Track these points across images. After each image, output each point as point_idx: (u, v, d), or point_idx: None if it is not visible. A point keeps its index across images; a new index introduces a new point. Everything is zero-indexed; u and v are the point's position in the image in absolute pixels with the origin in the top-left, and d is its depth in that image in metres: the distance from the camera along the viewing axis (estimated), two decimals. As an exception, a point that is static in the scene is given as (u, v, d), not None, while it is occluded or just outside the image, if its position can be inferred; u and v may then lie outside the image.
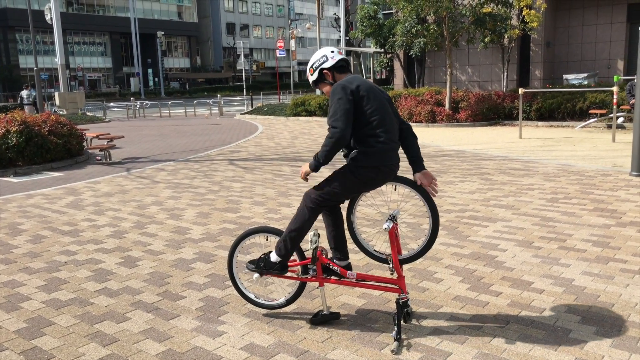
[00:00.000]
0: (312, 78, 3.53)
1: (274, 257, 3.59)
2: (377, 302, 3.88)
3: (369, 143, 3.24)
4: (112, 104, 38.68)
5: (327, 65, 3.44)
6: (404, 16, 18.42)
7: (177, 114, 27.87)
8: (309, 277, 3.60)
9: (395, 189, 3.62)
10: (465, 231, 5.52)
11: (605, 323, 3.44)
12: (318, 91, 27.45)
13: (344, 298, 3.98)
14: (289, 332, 3.48)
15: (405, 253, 3.59)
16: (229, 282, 4.34)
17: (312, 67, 3.50)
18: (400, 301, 3.39)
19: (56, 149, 10.81)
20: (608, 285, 4.02)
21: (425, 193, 3.40)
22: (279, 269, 3.59)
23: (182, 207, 6.97)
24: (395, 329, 3.29)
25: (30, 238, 5.78)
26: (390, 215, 3.43)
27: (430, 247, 3.47)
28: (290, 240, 3.48)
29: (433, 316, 3.64)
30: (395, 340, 3.25)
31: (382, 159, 3.26)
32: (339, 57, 3.45)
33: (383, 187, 3.78)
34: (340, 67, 3.46)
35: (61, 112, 22.81)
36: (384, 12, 30.69)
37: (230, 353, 3.24)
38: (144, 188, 8.38)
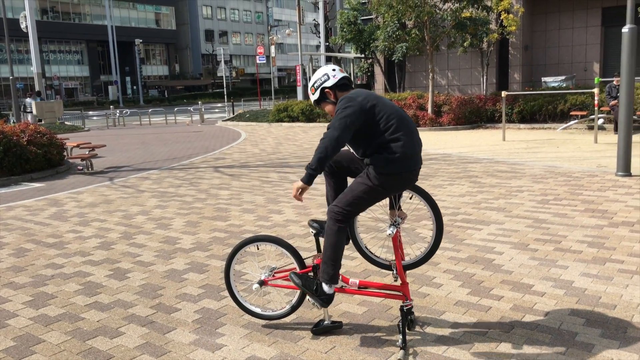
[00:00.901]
0: (313, 97, 3.40)
1: (327, 289, 3.29)
2: (379, 310, 3.81)
3: (391, 149, 3.12)
4: (90, 112, 38.14)
5: (328, 84, 3.31)
6: (385, 21, 18.48)
7: (157, 122, 27.56)
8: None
9: (411, 198, 3.51)
10: (460, 235, 5.48)
11: (610, 325, 3.41)
12: (299, 96, 27.45)
13: (344, 306, 3.90)
14: (291, 344, 3.39)
15: (407, 259, 3.53)
16: (225, 293, 4.23)
17: (313, 86, 3.36)
18: (405, 308, 3.31)
19: (36, 159, 10.55)
20: (608, 287, 4.00)
21: (430, 199, 3.34)
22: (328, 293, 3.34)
23: (169, 217, 6.82)
24: (400, 337, 3.21)
25: (13, 251, 5.59)
26: (393, 221, 3.36)
27: (434, 252, 3.41)
28: (332, 262, 3.25)
29: (436, 323, 3.57)
30: (401, 348, 3.17)
31: (405, 165, 3.14)
32: (341, 75, 3.32)
33: None
34: (342, 85, 3.32)
35: (39, 122, 22.38)
36: (363, 17, 30.79)
37: (232, 367, 3.13)
38: (129, 197, 8.20)
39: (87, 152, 11.53)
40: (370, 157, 3.18)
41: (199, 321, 3.77)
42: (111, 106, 33.56)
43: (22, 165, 10.31)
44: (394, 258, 3.43)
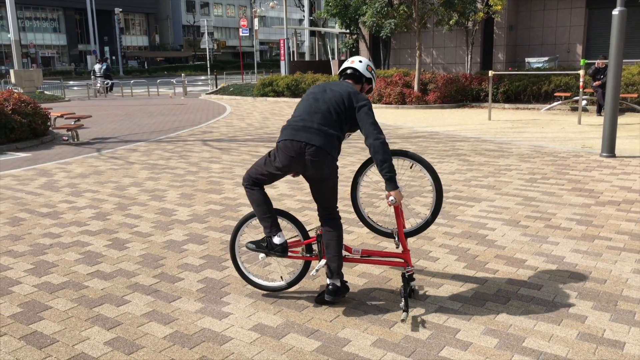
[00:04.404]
0: (367, 75, 3.68)
1: (276, 240, 3.57)
2: (378, 281, 3.92)
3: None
4: (71, 82, 37.35)
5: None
6: (373, -3, 18.35)
7: (139, 94, 27.16)
8: (313, 256, 3.62)
9: (411, 167, 3.65)
10: (453, 211, 5.61)
11: (601, 298, 3.57)
12: (282, 71, 27.25)
13: (345, 277, 3.99)
14: (296, 312, 3.48)
15: (409, 227, 3.65)
16: (227, 264, 4.30)
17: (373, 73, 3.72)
18: (407, 274, 3.46)
19: (21, 129, 10.39)
20: (598, 262, 4.17)
21: (429, 166, 3.52)
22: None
23: (162, 189, 6.83)
24: (403, 301, 3.35)
25: (8, 220, 5.57)
26: None
27: (434, 218, 3.57)
28: (259, 217, 3.62)
29: (436, 294, 3.70)
30: (403, 311, 3.30)
31: (282, 135, 3.46)
32: (344, 66, 3.68)
33: (396, 162, 3.87)
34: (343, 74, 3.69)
35: (16, 90, 21.90)
36: (349, -8, 30.50)
37: (240, 334, 3.22)
38: (119, 169, 8.16)
39: (72, 123, 11.37)
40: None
41: (203, 290, 3.84)
42: (92, 76, 32.89)
43: (6, 135, 10.15)
44: (395, 226, 3.53)
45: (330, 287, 3.48)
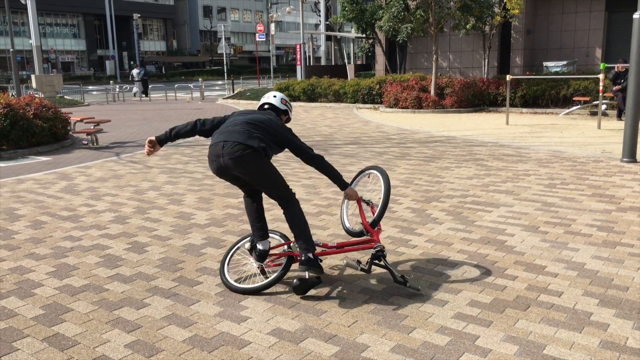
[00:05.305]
0: (282, 108, 4.20)
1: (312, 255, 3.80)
2: (397, 287, 3.91)
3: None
4: (90, 87, 37.87)
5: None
6: (389, 1, 18.36)
7: (157, 98, 27.44)
8: (296, 252, 3.95)
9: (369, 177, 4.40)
10: (471, 216, 5.58)
11: (623, 306, 3.52)
12: (298, 76, 27.32)
13: (362, 282, 3.99)
14: (314, 317, 3.48)
15: (369, 219, 4.16)
16: (245, 267, 4.32)
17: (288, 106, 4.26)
18: (375, 250, 3.85)
19: (42, 133, 10.54)
20: (620, 269, 4.11)
21: (380, 168, 4.27)
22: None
23: (181, 193, 6.89)
24: (391, 274, 3.78)
25: (30, 223, 5.65)
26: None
27: (384, 209, 4.05)
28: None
29: (454, 300, 3.68)
30: (402, 283, 3.75)
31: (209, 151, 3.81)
32: (262, 102, 4.21)
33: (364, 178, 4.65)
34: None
35: (37, 95, 22.27)
36: (365, -4, 30.52)
37: (259, 338, 3.23)
38: (138, 173, 8.24)
39: (92, 127, 11.52)
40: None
41: (221, 294, 3.86)
42: (110, 81, 33.34)
43: (28, 139, 10.31)
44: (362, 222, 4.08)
45: (303, 258, 3.74)
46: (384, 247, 3.89)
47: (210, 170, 3.88)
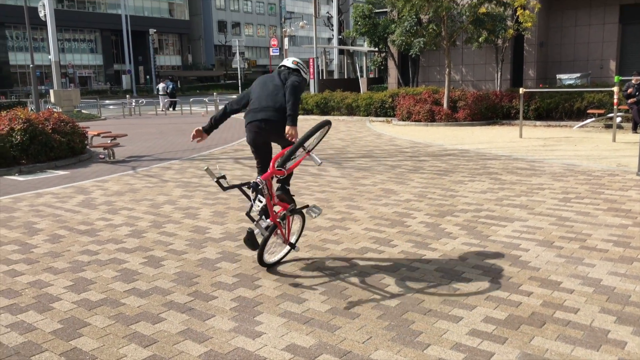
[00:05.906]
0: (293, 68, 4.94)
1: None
2: (411, 302, 3.91)
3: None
4: (106, 101, 38.38)
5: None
6: (402, 16, 18.46)
7: (172, 112, 27.73)
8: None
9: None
10: (485, 231, 5.56)
11: (640, 323, 3.49)
12: (312, 89, 27.48)
13: (376, 298, 4.00)
14: (328, 333, 3.50)
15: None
16: (259, 282, 4.35)
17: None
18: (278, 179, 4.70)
19: (60, 147, 10.71)
20: (637, 286, 4.07)
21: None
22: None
23: (196, 207, 6.95)
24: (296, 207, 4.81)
25: (48, 237, 5.74)
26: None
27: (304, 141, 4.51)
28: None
29: (469, 316, 3.67)
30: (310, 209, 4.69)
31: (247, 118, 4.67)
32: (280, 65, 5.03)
33: None
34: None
35: (56, 109, 22.63)
36: (377, 10, 30.66)
37: (273, 354, 3.25)
38: (154, 187, 8.34)
39: (108, 141, 11.69)
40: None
41: (236, 309, 3.89)
42: (127, 95, 33.77)
43: (46, 153, 10.48)
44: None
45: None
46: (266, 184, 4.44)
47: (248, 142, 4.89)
